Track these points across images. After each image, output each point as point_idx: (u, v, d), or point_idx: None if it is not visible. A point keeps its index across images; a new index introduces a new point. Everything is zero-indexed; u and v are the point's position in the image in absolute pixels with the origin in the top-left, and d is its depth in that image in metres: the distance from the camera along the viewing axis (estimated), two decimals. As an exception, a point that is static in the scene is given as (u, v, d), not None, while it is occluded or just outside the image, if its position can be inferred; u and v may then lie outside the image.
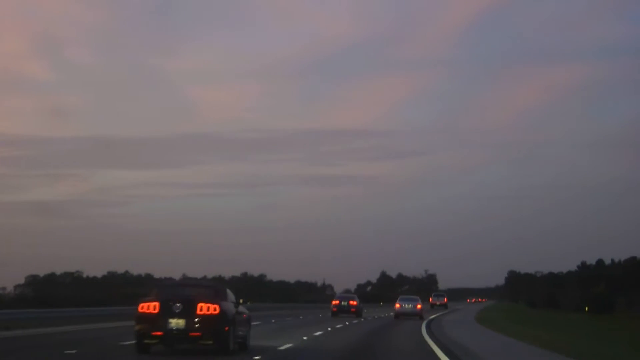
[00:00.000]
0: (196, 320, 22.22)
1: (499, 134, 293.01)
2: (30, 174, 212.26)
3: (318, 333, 35.41)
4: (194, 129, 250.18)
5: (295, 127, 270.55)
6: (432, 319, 59.08)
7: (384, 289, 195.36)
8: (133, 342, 23.21)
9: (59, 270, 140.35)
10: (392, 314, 68.78)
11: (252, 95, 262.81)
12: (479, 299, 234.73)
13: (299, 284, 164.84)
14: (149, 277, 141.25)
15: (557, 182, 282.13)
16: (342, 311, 65.19)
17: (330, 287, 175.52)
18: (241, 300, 27.60)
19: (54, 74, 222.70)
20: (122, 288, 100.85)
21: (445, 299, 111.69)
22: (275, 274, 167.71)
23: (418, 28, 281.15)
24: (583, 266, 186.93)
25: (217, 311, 22.39)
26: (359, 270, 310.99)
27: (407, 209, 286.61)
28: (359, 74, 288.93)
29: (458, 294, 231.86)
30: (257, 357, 22.73)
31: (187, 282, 30.12)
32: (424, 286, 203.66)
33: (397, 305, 63.86)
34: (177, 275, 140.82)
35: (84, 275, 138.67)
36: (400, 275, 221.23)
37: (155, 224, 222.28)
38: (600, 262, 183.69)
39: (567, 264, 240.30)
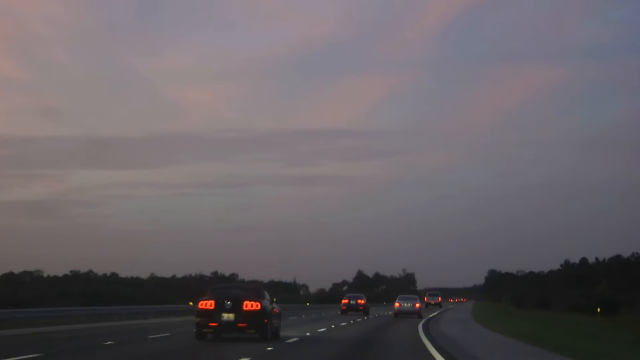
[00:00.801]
0: (242, 314, 28.06)
1: (481, 135, 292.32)
2: (8, 173, 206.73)
3: (343, 323, 46.86)
4: (173, 128, 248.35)
5: (275, 127, 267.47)
6: (431, 317, 59.58)
7: (361, 288, 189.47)
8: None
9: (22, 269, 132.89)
10: (389, 312, 72.29)
11: (231, 95, 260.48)
12: (462, 299, 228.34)
13: (272, 283, 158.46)
14: (114, 276, 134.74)
15: (539, 183, 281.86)
16: (350, 309, 71.42)
17: (305, 286, 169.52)
18: (274, 299, 33.64)
19: (33, 73, 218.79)
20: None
21: (440, 298, 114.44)
22: (249, 274, 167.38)
23: (399, 28, 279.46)
24: (567, 265, 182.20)
25: (259, 307, 28.19)
26: (336, 270, 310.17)
27: (387, 209, 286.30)
28: (339, 73, 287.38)
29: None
30: (321, 329, 33.26)
31: (235, 285, 36.63)
32: (402, 286, 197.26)
33: (397, 304, 66.35)
34: (145, 275, 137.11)
35: (45, 275, 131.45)
36: (377, 275, 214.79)
37: (133, 223, 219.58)
38: (584, 260, 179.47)
39: (546, 264, 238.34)
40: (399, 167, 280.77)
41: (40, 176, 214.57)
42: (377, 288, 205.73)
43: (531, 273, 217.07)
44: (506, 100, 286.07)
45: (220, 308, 28.03)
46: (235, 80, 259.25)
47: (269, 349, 24.81)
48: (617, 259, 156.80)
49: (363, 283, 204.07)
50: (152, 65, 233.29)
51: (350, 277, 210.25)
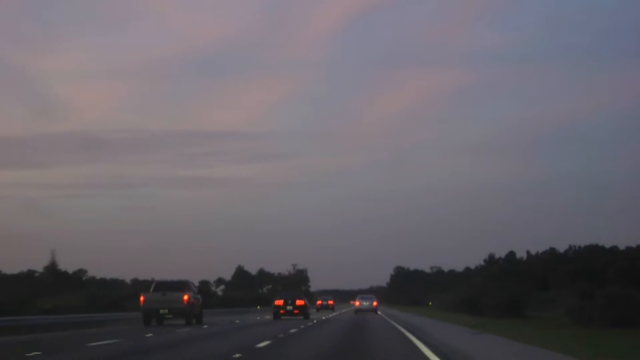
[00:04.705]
0: (296, 306, 59.22)
1: (374, 137, 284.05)
2: None
3: (338, 312, 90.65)
4: (60, 128, 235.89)
5: (166, 128, 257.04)
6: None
7: (243, 287, 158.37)
8: None
9: None
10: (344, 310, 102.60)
11: (121, 95, 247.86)
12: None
13: (135, 282, 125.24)
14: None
15: (433, 185, 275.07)
16: (322, 308, 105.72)
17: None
18: (309, 299, 62.42)
19: None
20: None
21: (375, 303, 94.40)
22: (114, 274, 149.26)
23: (293, 30, 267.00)
24: (492, 260, 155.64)
25: (303, 303, 59.67)
26: (214, 269, 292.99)
27: (280, 211, 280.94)
28: (232, 75, 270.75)
29: (335, 296, 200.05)
30: (332, 315, 75.44)
31: (292, 291, 71.58)
32: (294, 284, 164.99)
33: (357, 303, 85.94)
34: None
35: None
36: (262, 272, 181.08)
37: (18, 224, 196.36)
38: (511, 254, 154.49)
39: (455, 263, 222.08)
40: (293, 170, 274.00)
41: None
42: (261, 288, 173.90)
43: (440, 271, 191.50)
44: (400, 103, 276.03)
45: (285, 303, 59.54)
46: (127, 80, 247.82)
47: (310, 323, 46.72)
48: (551, 252, 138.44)
49: (244, 281, 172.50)
50: (42, 64, 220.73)
51: (228, 274, 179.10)
